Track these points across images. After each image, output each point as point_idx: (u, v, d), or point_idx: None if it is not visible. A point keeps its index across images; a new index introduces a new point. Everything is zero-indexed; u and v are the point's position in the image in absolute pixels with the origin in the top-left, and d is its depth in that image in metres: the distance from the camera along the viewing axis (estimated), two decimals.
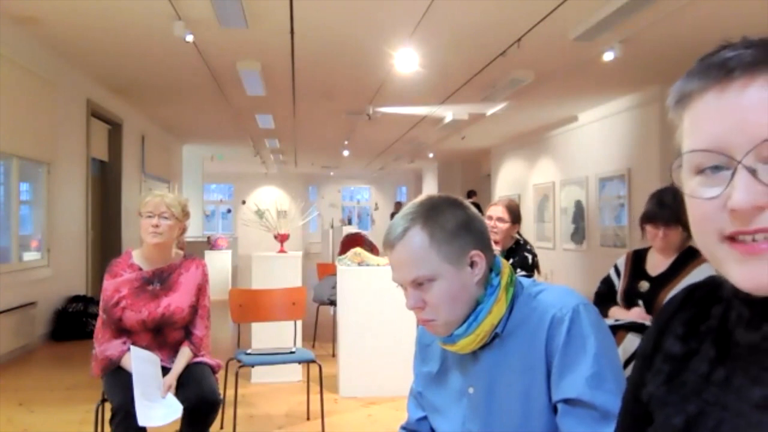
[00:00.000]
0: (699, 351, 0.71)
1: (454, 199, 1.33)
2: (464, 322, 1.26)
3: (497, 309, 1.26)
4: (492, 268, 1.30)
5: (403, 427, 1.49)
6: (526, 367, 1.22)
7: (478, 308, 1.26)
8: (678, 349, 0.74)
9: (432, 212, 1.28)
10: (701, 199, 0.62)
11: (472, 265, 1.27)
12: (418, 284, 1.27)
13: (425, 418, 1.44)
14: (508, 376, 1.24)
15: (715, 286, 0.74)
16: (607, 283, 3.00)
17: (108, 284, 2.77)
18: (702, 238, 0.64)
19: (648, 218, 2.77)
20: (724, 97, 0.61)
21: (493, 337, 1.27)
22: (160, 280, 2.81)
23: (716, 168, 0.62)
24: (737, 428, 0.63)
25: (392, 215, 19.48)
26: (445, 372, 1.37)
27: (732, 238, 0.61)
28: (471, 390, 1.30)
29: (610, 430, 1.05)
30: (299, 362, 4.18)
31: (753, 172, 0.59)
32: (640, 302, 2.77)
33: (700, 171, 0.63)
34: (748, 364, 0.64)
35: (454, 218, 1.28)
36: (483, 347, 1.28)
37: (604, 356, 1.17)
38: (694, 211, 0.64)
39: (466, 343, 1.26)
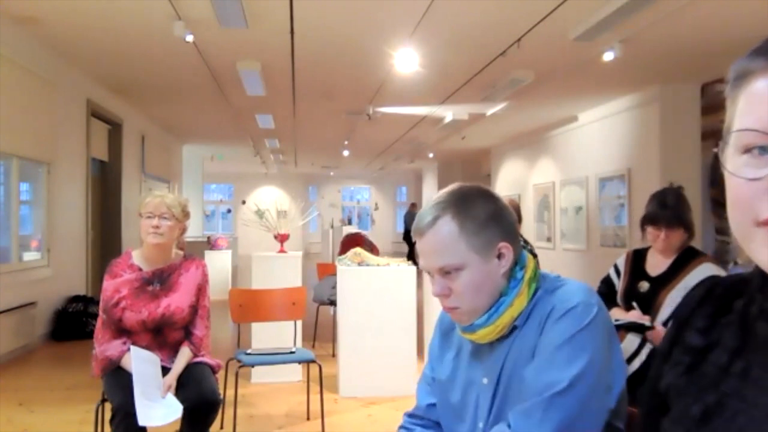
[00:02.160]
0: (719, 343, 0.71)
1: (485, 189, 1.35)
2: (486, 312, 1.28)
3: (518, 302, 1.28)
4: (517, 262, 1.32)
5: (410, 414, 1.48)
6: (529, 357, 1.24)
7: (500, 300, 1.28)
8: (698, 341, 0.74)
9: (463, 202, 1.29)
10: (744, 178, 0.61)
11: (499, 256, 1.29)
12: (446, 272, 1.28)
13: (435, 404, 1.44)
14: (518, 367, 1.26)
15: (737, 281, 0.74)
16: (607, 282, 3.00)
17: (108, 284, 2.77)
18: (736, 218, 0.63)
19: (650, 220, 2.76)
20: None
21: (512, 330, 1.29)
22: (160, 280, 2.81)
23: (764, 149, 0.60)
24: (754, 419, 0.63)
25: (407, 215, 19.41)
26: (463, 360, 1.39)
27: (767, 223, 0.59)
28: (485, 380, 1.31)
29: (534, 409, 1.15)
30: (299, 362, 4.18)
31: None
32: (635, 304, 2.77)
33: (748, 150, 0.61)
34: (767, 357, 0.64)
35: (485, 209, 1.29)
36: (501, 338, 1.30)
37: (565, 349, 1.18)
38: (734, 190, 0.63)
39: (485, 333, 1.28)
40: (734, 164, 0.62)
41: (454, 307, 1.30)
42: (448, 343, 1.44)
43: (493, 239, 1.28)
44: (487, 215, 1.29)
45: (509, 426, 1.19)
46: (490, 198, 1.32)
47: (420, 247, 1.32)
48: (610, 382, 1.21)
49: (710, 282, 0.79)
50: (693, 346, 0.74)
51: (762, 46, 0.63)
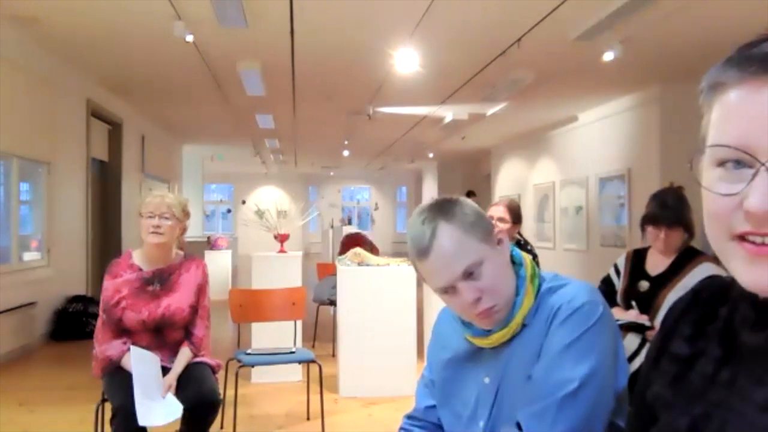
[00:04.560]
0: (705, 352, 0.71)
1: (450, 196, 1.36)
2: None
3: (527, 301, 1.28)
4: (514, 260, 1.33)
5: (409, 416, 1.48)
6: (533, 357, 1.24)
7: (514, 301, 1.28)
8: (685, 350, 0.73)
9: (444, 208, 1.30)
10: (717, 194, 0.60)
11: (499, 242, 1.31)
12: (469, 274, 1.24)
13: (434, 407, 1.44)
14: (521, 366, 1.26)
15: (721, 286, 0.73)
16: (606, 282, 2.99)
17: (108, 284, 2.77)
18: (712, 232, 0.63)
19: (650, 220, 2.76)
20: (760, 94, 0.58)
21: (521, 328, 1.29)
22: (160, 280, 2.81)
23: (738, 164, 0.59)
24: (740, 429, 0.62)
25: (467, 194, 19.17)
26: (462, 361, 1.38)
27: (742, 237, 0.59)
28: (486, 380, 1.31)
29: (546, 411, 1.14)
30: (299, 362, 4.18)
31: None
32: (634, 303, 2.77)
33: (721, 164, 0.61)
34: (753, 366, 0.64)
35: (466, 208, 1.31)
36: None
37: (573, 349, 1.18)
38: (708, 204, 0.62)
39: (499, 337, 1.28)
40: (708, 178, 0.62)
41: (491, 307, 1.25)
42: (445, 344, 1.44)
43: (488, 227, 1.30)
44: (471, 211, 1.30)
45: (520, 429, 1.18)
46: (460, 200, 1.34)
47: (429, 266, 1.26)
48: (615, 380, 1.22)
49: (695, 288, 0.78)
50: (679, 355, 0.74)
51: (733, 57, 0.62)
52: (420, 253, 1.26)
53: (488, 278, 1.25)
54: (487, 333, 1.29)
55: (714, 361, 0.69)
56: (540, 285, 1.31)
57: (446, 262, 1.24)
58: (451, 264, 1.24)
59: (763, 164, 0.57)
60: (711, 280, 0.78)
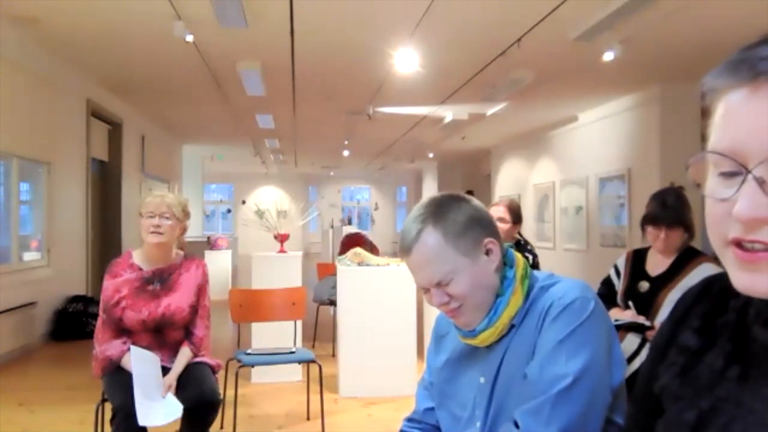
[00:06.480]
0: (715, 345, 0.70)
1: (457, 194, 1.37)
2: (485, 315, 1.28)
3: (514, 301, 1.29)
4: (506, 261, 1.33)
5: (408, 419, 1.49)
6: (527, 356, 1.24)
7: (497, 301, 1.29)
8: (693, 342, 0.73)
9: (440, 210, 1.31)
10: (714, 199, 0.61)
11: (487, 252, 1.31)
12: (443, 283, 1.29)
13: (434, 409, 1.45)
14: (517, 365, 1.26)
15: None
16: (607, 284, 2.99)
17: (108, 284, 2.77)
18: (711, 236, 0.64)
19: (650, 220, 2.76)
20: (754, 100, 0.57)
21: (510, 328, 1.29)
22: (161, 280, 2.81)
23: (732, 171, 0.59)
24: (749, 426, 0.62)
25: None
26: (458, 362, 1.39)
27: (735, 243, 0.60)
28: (482, 380, 1.31)
29: (542, 408, 1.14)
30: (299, 362, 4.18)
31: (762, 183, 0.56)
32: (631, 304, 2.77)
33: (718, 170, 0.61)
34: (764, 362, 0.64)
35: (463, 212, 1.31)
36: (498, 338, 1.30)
37: (566, 344, 1.18)
38: (707, 209, 0.63)
39: (486, 336, 1.29)
40: (708, 184, 0.62)
41: (456, 308, 1.29)
42: (443, 346, 1.45)
43: (478, 237, 1.30)
44: (466, 217, 1.30)
45: (517, 426, 1.18)
46: (464, 200, 1.35)
47: (409, 263, 1.32)
48: (610, 375, 1.22)
49: (707, 280, 0.78)
50: (688, 346, 0.73)
51: (733, 60, 0.61)
52: (403, 250, 1.33)
53: (459, 289, 1.28)
54: (473, 333, 1.30)
55: (724, 355, 0.68)
56: (532, 285, 1.32)
57: (422, 265, 1.30)
58: (425, 270, 1.29)
59: (749, 171, 0.57)
60: (722, 273, 0.78)
